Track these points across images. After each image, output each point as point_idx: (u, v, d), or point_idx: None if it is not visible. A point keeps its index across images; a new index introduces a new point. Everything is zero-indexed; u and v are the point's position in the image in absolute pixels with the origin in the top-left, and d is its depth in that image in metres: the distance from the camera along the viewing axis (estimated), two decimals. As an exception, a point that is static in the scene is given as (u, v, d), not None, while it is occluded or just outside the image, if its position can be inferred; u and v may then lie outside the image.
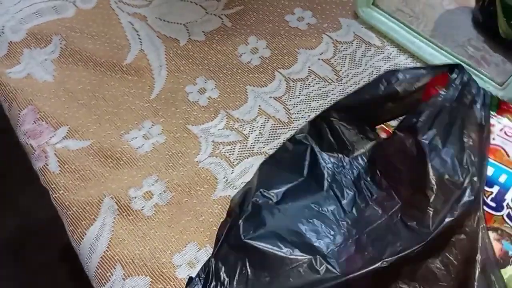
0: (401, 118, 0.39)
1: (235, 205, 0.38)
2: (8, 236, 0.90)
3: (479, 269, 0.31)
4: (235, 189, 0.42)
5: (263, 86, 0.50)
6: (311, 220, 0.35)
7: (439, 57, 0.51)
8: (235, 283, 0.32)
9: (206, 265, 0.35)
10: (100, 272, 0.39)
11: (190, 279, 0.35)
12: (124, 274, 0.39)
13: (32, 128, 0.47)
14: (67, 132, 0.47)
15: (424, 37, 0.52)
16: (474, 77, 0.49)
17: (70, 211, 0.42)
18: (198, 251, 0.40)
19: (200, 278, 0.34)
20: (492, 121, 0.37)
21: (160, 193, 0.43)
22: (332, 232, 0.34)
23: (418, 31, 0.52)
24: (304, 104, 0.49)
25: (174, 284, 0.38)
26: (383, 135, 0.41)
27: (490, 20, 0.50)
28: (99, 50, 0.53)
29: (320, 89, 0.50)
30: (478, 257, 0.31)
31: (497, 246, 0.33)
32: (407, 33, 0.53)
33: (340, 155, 0.39)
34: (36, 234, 0.82)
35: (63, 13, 0.56)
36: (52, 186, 0.44)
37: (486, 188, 0.35)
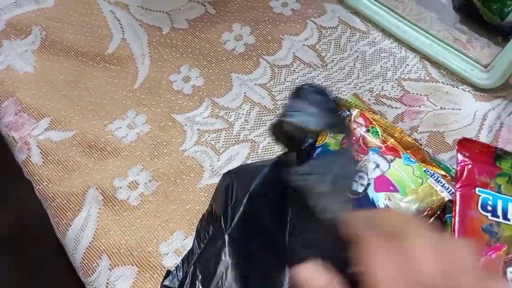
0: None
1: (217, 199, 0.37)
2: (3, 230, 0.90)
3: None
4: (221, 176, 0.42)
5: (248, 73, 0.50)
6: None
7: (424, 41, 0.51)
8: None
9: (184, 259, 0.35)
10: (86, 262, 0.39)
11: (168, 272, 0.35)
12: (110, 264, 0.39)
13: (13, 120, 0.47)
14: (50, 124, 0.46)
15: (409, 21, 0.52)
16: (460, 60, 0.49)
17: (54, 202, 0.42)
18: (184, 239, 0.40)
19: (178, 271, 0.34)
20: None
21: (145, 183, 0.43)
22: None
23: (403, 15, 0.52)
24: (290, 90, 0.48)
25: (161, 273, 0.38)
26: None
27: (471, 5, 0.50)
28: (80, 40, 0.52)
29: (305, 75, 0.49)
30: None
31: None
32: (392, 17, 0.52)
33: None
34: (31, 227, 0.81)
35: (43, 3, 0.54)
36: (36, 178, 0.43)
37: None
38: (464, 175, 0.36)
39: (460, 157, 0.37)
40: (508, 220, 0.34)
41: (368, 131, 0.39)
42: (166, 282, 0.34)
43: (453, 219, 0.35)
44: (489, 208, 0.35)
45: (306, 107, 0.30)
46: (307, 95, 0.30)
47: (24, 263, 0.86)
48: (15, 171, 0.46)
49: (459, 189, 0.35)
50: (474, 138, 0.44)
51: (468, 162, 0.36)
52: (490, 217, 0.34)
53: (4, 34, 0.52)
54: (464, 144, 0.38)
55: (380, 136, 0.39)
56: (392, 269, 0.21)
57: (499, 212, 0.35)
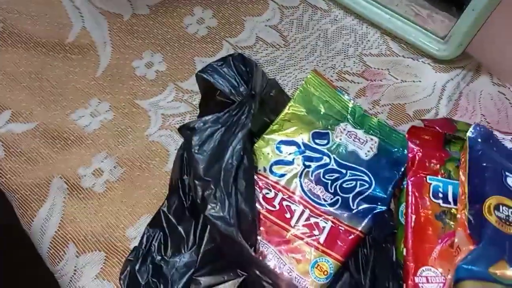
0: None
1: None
2: (18, 227, 0.87)
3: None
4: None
5: (211, 56, 0.49)
6: None
7: (383, 16, 0.51)
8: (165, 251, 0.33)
9: (143, 234, 0.35)
10: (53, 252, 0.39)
11: (134, 248, 0.35)
12: (77, 251, 0.38)
13: (-27, 114, 0.46)
14: (11, 116, 0.45)
15: (369, -3, 0.52)
16: (419, 33, 0.50)
17: (18, 194, 0.41)
18: (152, 223, 0.40)
19: (141, 247, 0.34)
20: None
21: (110, 170, 0.42)
22: None
23: (364, -8, 0.53)
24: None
25: (129, 257, 0.38)
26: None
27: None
28: (39, 31, 0.51)
29: (268, 55, 0.50)
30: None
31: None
32: (352, -5, 0.53)
33: None
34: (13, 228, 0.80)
35: (-1, -6, 0.53)
36: (-2, 171, 0.42)
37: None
38: (415, 164, 0.36)
39: (410, 145, 0.37)
40: None
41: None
42: (130, 257, 0.34)
43: (406, 209, 0.34)
44: (440, 195, 0.35)
45: (225, 70, 0.37)
46: (234, 62, 0.37)
47: (6, 264, 0.85)
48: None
49: (411, 179, 0.35)
50: (434, 108, 0.45)
51: (419, 150, 0.36)
52: (442, 204, 0.34)
53: (-41, 27, 0.51)
54: (414, 132, 0.37)
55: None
56: None
57: (450, 198, 0.34)
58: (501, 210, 0.31)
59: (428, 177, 0.35)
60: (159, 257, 0.35)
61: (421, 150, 0.36)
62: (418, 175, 0.35)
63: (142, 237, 0.37)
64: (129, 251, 0.38)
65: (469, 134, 0.36)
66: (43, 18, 0.52)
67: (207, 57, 0.49)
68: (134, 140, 0.44)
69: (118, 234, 0.39)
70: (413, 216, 0.33)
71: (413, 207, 0.34)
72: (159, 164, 0.43)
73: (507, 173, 0.33)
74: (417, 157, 0.36)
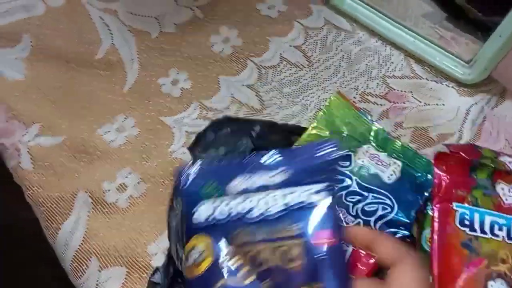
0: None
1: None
2: (17, 225, 0.88)
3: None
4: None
5: (235, 75, 0.50)
6: None
7: (407, 39, 0.51)
8: None
9: (167, 255, 0.35)
10: (76, 265, 0.39)
11: (156, 269, 0.35)
12: (99, 265, 0.39)
13: (4, 127, 0.47)
14: (39, 129, 0.47)
15: (394, 20, 0.52)
16: (443, 56, 0.50)
17: (43, 207, 0.42)
18: (173, 239, 0.40)
19: (164, 267, 0.35)
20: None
21: (134, 185, 0.43)
22: None
23: (388, 14, 0.53)
24: (276, 90, 0.49)
25: (150, 273, 0.38)
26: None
27: (454, 2, 0.51)
28: (70, 47, 0.53)
29: (291, 75, 0.50)
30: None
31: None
32: (376, 17, 0.53)
33: None
34: (15, 230, 0.81)
35: (33, 11, 0.55)
36: (26, 184, 0.44)
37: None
38: (442, 190, 0.36)
39: (437, 171, 0.36)
40: (485, 233, 0.34)
41: None
42: (154, 279, 0.35)
43: (431, 236, 0.34)
44: (467, 222, 0.34)
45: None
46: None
47: (38, 257, 0.85)
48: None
49: (437, 205, 0.35)
50: (457, 132, 0.45)
51: (445, 176, 0.36)
52: (468, 232, 0.34)
53: (-6, 42, 0.53)
54: (441, 158, 0.37)
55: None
56: None
57: (477, 226, 0.34)
58: None
59: (454, 204, 0.35)
60: None
61: (447, 176, 0.36)
62: (445, 202, 0.35)
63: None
64: (151, 268, 0.38)
65: None
66: (73, 35, 0.54)
67: (231, 75, 0.50)
68: (158, 156, 0.45)
69: (140, 250, 0.40)
70: (439, 243, 0.33)
71: (439, 234, 0.33)
72: (181, 181, 0.43)
73: None
74: (443, 184, 0.36)
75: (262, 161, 0.35)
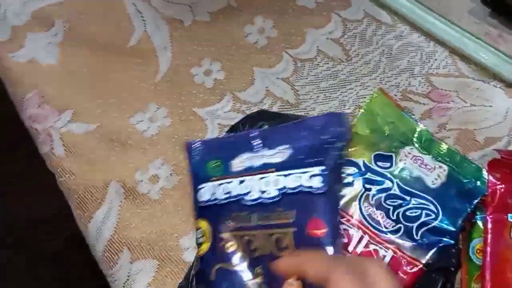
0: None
1: None
2: (17, 225, 0.90)
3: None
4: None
5: (270, 67, 0.49)
6: None
7: (453, 35, 0.49)
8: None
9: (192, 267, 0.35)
10: (108, 255, 0.39)
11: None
12: (131, 257, 0.39)
13: (36, 112, 0.47)
14: (72, 116, 0.46)
15: (438, 14, 0.50)
16: (490, 54, 0.48)
17: (76, 194, 0.42)
18: (205, 234, 0.39)
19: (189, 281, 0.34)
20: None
21: (166, 176, 0.42)
22: None
23: (432, 8, 0.50)
24: (313, 84, 0.47)
25: (182, 268, 0.38)
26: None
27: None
28: (102, 33, 0.52)
29: (329, 69, 0.48)
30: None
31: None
32: (419, 10, 0.51)
33: None
34: (44, 222, 0.82)
35: (65, -5, 0.54)
36: (58, 170, 0.43)
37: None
38: (496, 200, 0.34)
39: (491, 179, 0.34)
40: None
41: None
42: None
43: (484, 247, 0.32)
44: None
45: None
46: None
47: (38, 257, 0.87)
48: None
49: (491, 216, 0.33)
50: (506, 136, 0.43)
51: (500, 185, 0.34)
52: None
53: (27, 26, 0.52)
54: (495, 164, 0.35)
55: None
56: None
57: None
58: None
59: (509, 215, 0.33)
60: None
61: (503, 185, 0.34)
62: (499, 213, 0.33)
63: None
64: (182, 263, 0.38)
65: None
66: (106, 21, 0.53)
67: (266, 67, 0.49)
68: (191, 148, 0.44)
69: (172, 243, 0.39)
70: (492, 257, 0.31)
71: (492, 247, 0.32)
72: (214, 174, 0.42)
73: None
74: (498, 192, 0.34)
75: (264, 137, 0.37)
